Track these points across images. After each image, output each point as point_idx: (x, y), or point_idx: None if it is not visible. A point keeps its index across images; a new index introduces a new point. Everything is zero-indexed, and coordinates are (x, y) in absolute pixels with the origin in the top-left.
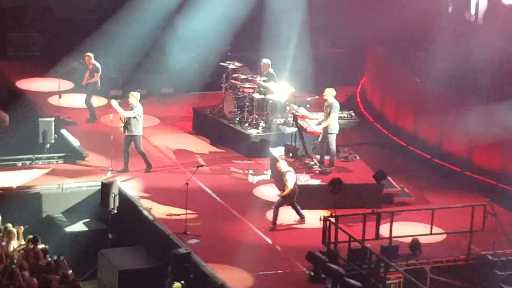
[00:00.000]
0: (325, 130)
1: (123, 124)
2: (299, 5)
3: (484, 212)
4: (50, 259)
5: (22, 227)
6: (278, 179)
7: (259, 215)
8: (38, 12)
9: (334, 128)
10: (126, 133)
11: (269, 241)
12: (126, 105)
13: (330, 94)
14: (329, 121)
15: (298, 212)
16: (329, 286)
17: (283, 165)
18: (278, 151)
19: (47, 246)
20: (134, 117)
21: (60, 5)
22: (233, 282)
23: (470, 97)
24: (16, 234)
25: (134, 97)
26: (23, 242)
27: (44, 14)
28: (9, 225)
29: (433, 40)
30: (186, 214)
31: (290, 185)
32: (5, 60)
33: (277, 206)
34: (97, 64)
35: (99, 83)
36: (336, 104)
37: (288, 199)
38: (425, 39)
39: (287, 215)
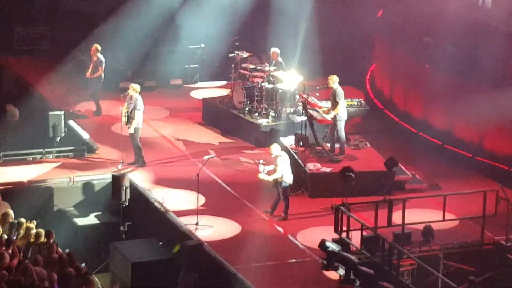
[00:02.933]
0: (333, 117)
1: (126, 118)
2: None
3: (497, 197)
4: (62, 252)
5: (34, 221)
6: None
7: (271, 204)
8: (46, 5)
9: (342, 115)
10: (129, 126)
11: (281, 230)
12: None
13: (333, 81)
14: (337, 108)
15: (275, 202)
16: (342, 274)
17: (274, 149)
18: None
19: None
20: (137, 110)
21: None
22: (246, 272)
23: (480, 83)
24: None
25: (134, 89)
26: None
27: (52, 8)
28: (22, 220)
29: (441, 25)
30: (198, 205)
31: (279, 169)
32: (13, 54)
33: (284, 195)
34: (101, 57)
35: (103, 76)
36: (340, 90)
37: (278, 185)
38: (434, 24)
39: (300, 202)
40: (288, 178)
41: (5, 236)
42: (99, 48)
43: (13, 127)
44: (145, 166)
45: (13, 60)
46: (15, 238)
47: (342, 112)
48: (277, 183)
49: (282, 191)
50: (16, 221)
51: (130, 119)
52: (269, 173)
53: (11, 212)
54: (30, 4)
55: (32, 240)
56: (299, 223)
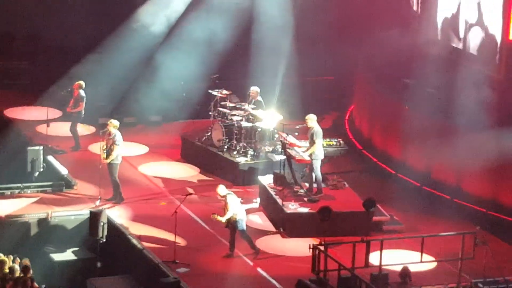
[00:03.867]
0: (310, 156)
1: (105, 153)
2: (286, 32)
3: (474, 240)
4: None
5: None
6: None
7: (247, 243)
8: (27, 40)
9: (319, 154)
10: (108, 162)
11: (259, 269)
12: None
13: (311, 119)
14: (314, 147)
15: (231, 243)
16: None
17: (221, 190)
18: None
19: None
20: (116, 145)
21: (48, 33)
22: None
23: (458, 125)
24: (7, 264)
25: (113, 125)
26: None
27: (33, 42)
28: (0, 254)
29: (421, 67)
30: (175, 242)
31: (230, 208)
32: None
33: (242, 235)
34: (82, 93)
35: (83, 112)
36: (318, 129)
37: (233, 224)
38: (413, 66)
39: (276, 243)
40: (241, 215)
41: None
42: (83, 84)
43: None
44: (123, 202)
45: None
46: None
47: (318, 151)
48: (230, 223)
49: (240, 233)
50: None
51: (108, 154)
52: (220, 214)
53: None
54: (11, 38)
55: (7, 273)
56: (277, 262)
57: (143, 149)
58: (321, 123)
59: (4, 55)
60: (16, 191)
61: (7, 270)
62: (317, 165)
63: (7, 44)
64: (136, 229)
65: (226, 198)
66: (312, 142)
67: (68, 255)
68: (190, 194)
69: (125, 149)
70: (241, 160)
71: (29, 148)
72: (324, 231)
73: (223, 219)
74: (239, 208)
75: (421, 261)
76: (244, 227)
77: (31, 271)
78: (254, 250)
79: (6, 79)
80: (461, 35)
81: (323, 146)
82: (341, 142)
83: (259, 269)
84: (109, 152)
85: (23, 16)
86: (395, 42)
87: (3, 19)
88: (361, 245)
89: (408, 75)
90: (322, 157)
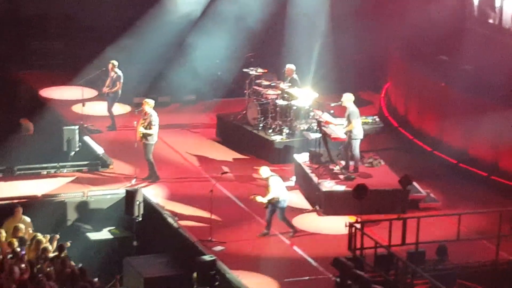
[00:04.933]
0: (349, 135)
1: (141, 133)
2: (322, 9)
3: None
4: (75, 267)
5: (57, 236)
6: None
7: (286, 223)
8: (61, 20)
9: (358, 134)
10: (144, 142)
11: (295, 247)
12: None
13: (347, 99)
14: (351, 126)
15: (269, 221)
16: None
17: (264, 171)
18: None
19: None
20: (152, 125)
21: (83, 13)
22: None
23: (496, 101)
24: (44, 243)
25: (148, 104)
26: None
27: (67, 23)
28: (38, 234)
29: (458, 43)
30: (211, 221)
31: (272, 190)
32: (28, 69)
33: (281, 215)
34: (119, 73)
35: (120, 92)
36: (354, 109)
37: (272, 205)
38: (450, 42)
39: (312, 221)
40: (284, 196)
41: (18, 249)
42: (116, 64)
43: (28, 141)
44: (159, 180)
45: (28, 74)
46: (24, 253)
47: (357, 131)
48: (271, 203)
49: (279, 212)
50: (25, 236)
51: (146, 134)
52: (261, 194)
53: (22, 226)
54: (46, 19)
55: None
56: (313, 240)
57: (177, 128)
58: (356, 101)
59: (39, 35)
60: (52, 170)
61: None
62: (356, 144)
63: (42, 25)
64: (171, 208)
65: (269, 180)
66: (349, 122)
67: (104, 234)
68: (226, 172)
69: (161, 129)
70: (277, 138)
71: (65, 127)
72: (360, 209)
73: (264, 200)
74: (281, 190)
75: (458, 238)
76: (285, 207)
77: (66, 250)
78: (292, 229)
79: (42, 60)
80: (497, 10)
81: None
82: (377, 119)
83: (295, 248)
84: (145, 131)
85: None
86: (431, 19)
87: (37, 0)
88: (398, 222)
89: (444, 52)
90: (361, 136)
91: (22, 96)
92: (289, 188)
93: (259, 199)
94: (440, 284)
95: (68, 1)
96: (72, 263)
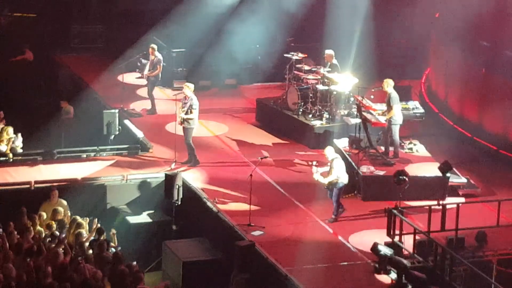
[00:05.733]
0: (389, 121)
1: (181, 117)
2: None
3: None
4: (114, 250)
5: (95, 220)
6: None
7: (323, 206)
8: (102, 4)
9: (398, 119)
10: (185, 126)
11: (333, 232)
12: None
13: (388, 84)
14: (392, 112)
15: (337, 207)
16: (394, 278)
17: (329, 153)
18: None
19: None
20: (193, 109)
21: None
22: (297, 274)
23: None
24: (85, 226)
25: (189, 88)
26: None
27: (108, 6)
28: (77, 217)
29: (499, 29)
30: (250, 205)
31: (334, 172)
32: (69, 52)
33: (337, 196)
34: (160, 56)
35: (160, 75)
36: (395, 95)
37: (333, 187)
38: (491, 28)
39: (352, 206)
40: (343, 179)
41: (57, 233)
42: (155, 47)
43: (68, 125)
44: (198, 165)
45: (68, 57)
46: (64, 235)
47: (397, 116)
48: (331, 184)
49: (336, 192)
50: (64, 218)
51: (187, 118)
52: (323, 174)
53: (60, 209)
54: (86, 2)
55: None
56: (351, 225)
57: (218, 112)
58: (397, 87)
59: (80, 19)
60: (92, 154)
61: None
62: (395, 130)
63: (82, 8)
64: (211, 192)
65: (332, 162)
66: (390, 108)
67: (143, 217)
68: (265, 157)
69: (201, 114)
70: (317, 123)
71: (105, 111)
72: (399, 194)
73: (325, 181)
74: (343, 172)
75: (498, 225)
76: (341, 188)
77: (104, 233)
78: (336, 213)
79: (82, 43)
80: None
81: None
82: (417, 105)
83: (333, 232)
84: (186, 116)
85: None
86: (472, 4)
87: None
88: (437, 209)
89: (485, 38)
90: (401, 122)
91: (63, 79)
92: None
93: (320, 179)
94: (479, 270)
95: None
96: (112, 247)
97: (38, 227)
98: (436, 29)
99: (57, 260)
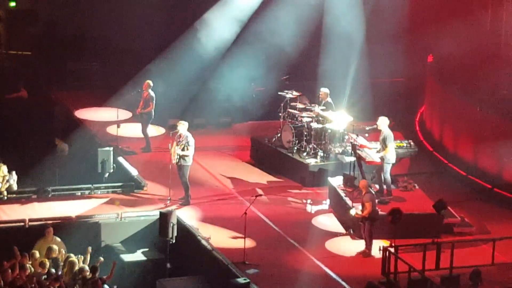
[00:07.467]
0: (381, 159)
1: (177, 156)
2: (357, 33)
3: None
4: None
5: (81, 256)
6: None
7: (317, 245)
8: (98, 42)
9: (391, 158)
10: (181, 163)
11: (328, 270)
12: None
13: (383, 123)
14: (386, 150)
15: (368, 242)
16: None
17: (364, 186)
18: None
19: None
20: (189, 147)
21: (119, 35)
22: None
23: None
24: (77, 264)
25: (183, 125)
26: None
27: (104, 44)
28: (71, 255)
29: (493, 69)
30: (245, 243)
31: (369, 206)
32: (64, 89)
33: (368, 233)
34: (152, 93)
35: (153, 113)
36: (389, 133)
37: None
38: (485, 67)
39: (346, 244)
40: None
41: (53, 271)
42: (151, 84)
43: (63, 162)
44: (189, 205)
45: (64, 94)
46: (60, 273)
47: (390, 155)
48: (366, 219)
49: (370, 226)
50: (59, 257)
51: (183, 155)
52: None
53: (55, 247)
54: (82, 40)
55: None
56: (346, 263)
57: (212, 150)
58: (391, 125)
59: (75, 56)
60: (87, 191)
61: (76, 270)
62: (387, 168)
63: (78, 46)
64: (205, 230)
65: (366, 196)
66: (384, 146)
67: (138, 255)
68: (260, 195)
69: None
70: (311, 161)
71: (99, 149)
72: (394, 233)
73: (362, 215)
74: (375, 206)
75: (493, 263)
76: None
77: (98, 270)
78: (367, 247)
79: (77, 80)
80: None
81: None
82: (412, 143)
83: (328, 271)
84: (182, 153)
85: (94, 18)
86: (467, 43)
87: (75, 22)
88: (432, 247)
89: (480, 76)
90: (394, 161)
91: (58, 116)
92: (323, 211)
93: (358, 213)
94: None
95: (105, 23)
96: (106, 286)
97: (29, 266)
98: (431, 67)
99: None
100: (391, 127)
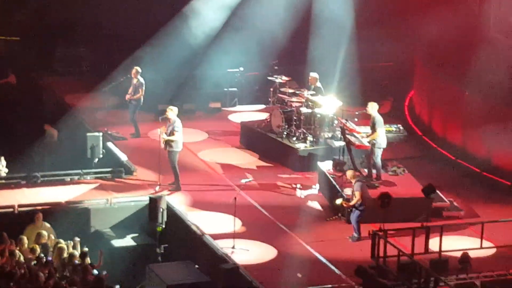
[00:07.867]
0: (372, 143)
1: (164, 140)
2: (347, 18)
3: None
4: (97, 274)
5: (71, 242)
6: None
7: (307, 229)
8: (87, 27)
9: (381, 143)
10: (168, 149)
11: (318, 255)
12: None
13: (372, 107)
14: (375, 135)
15: (356, 227)
16: None
17: (350, 175)
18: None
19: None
20: (175, 132)
21: (109, 21)
22: None
23: None
24: (66, 250)
25: (172, 111)
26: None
27: (93, 30)
28: (61, 240)
29: (482, 52)
30: (234, 228)
31: (358, 194)
32: (53, 75)
33: (356, 219)
34: (141, 80)
35: (142, 99)
36: (379, 118)
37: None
38: (474, 51)
39: (335, 229)
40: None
41: (42, 256)
42: (140, 70)
43: (52, 148)
44: (180, 190)
45: (52, 80)
46: (50, 259)
47: (381, 139)
48: (353, 207)
49: (357, 214)
50: (48, 242)
51: (169, 141)
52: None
53: (45, 233)
54: (71, 26)
55: (66, 260)
56: (336, 248)
57: (202, 135)
58: (380, 109)
59: (65, 42)
60: (76, 177)
61: (65, 256)
62: (378, 153)
63: (68, 31)
64: (195, 215)
65: (355, 185)
66: (374, 130)
67: (127, 241)
68: (250, 180)
69: (185, 136)
70: (301, 146)
71: (88, 134)
72: (383, 217)
73: (350, 204)
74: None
75: (481, 247)
76: (364, 210)
77: (88, 256)
78: (357, 234)
79: (67, 66)
80: None
81: None
82: (401, 128)
83: (318, 255)
84: (168, 138)
85: (83, 4)
86: (456, 27)
87: (64, 7)
88: (421, 231)
89: (468, 60)
90: (384, 145)
91: (47, 102)
92: (313, 196)
93: (343, 202)
94: None
95: (94, 9)
96: (95, 271)
97: (17, 251)
98: (420, 51)
99: (39, 282)
100: (379, 110)
